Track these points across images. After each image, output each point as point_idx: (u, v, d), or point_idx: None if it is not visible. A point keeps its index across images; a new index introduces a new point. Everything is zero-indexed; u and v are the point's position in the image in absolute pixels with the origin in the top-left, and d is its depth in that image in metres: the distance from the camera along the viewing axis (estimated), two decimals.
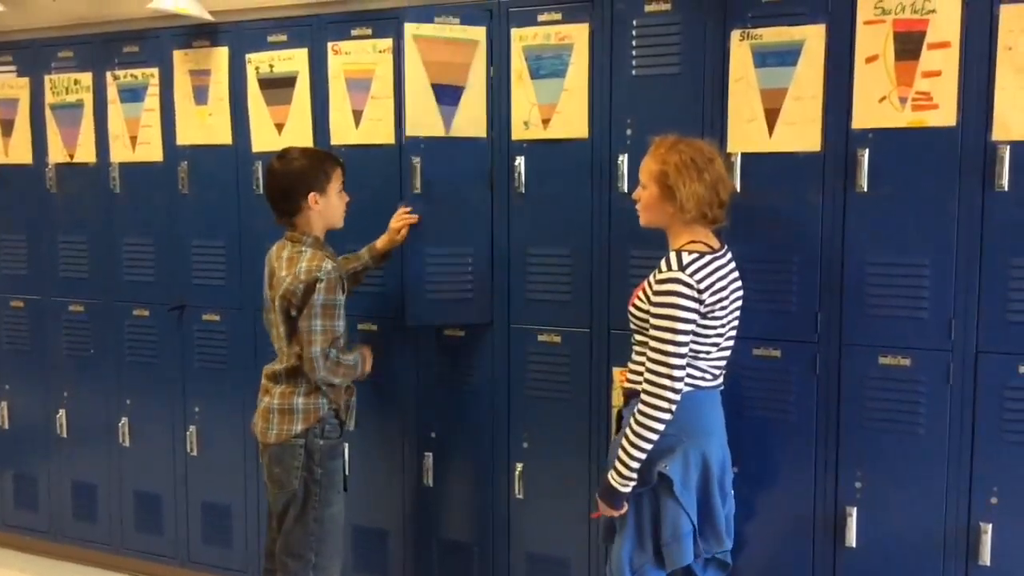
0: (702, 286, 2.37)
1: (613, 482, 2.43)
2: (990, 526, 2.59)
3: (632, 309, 2.51)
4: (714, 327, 2.42)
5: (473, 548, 3.31)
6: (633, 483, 2.42)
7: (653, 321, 2.38)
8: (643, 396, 2.38)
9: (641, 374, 2.44)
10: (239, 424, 3.59)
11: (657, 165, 2.46)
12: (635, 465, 2.39)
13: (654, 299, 2.39)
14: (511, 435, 3.20)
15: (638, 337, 2.52)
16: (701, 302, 2.37)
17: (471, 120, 3.14)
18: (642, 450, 2.38)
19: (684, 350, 2.37)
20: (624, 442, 2.40)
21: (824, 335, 2.74)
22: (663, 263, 2.42)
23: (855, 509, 2.73)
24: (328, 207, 2.87)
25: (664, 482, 2.44)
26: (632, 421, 2.40)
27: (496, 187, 3.13)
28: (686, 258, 2.39)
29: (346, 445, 2.97)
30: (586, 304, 3.04)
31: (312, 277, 2.74)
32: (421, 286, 3.16)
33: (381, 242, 3.14)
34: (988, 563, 2.59)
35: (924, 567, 2.67)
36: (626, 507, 2.47)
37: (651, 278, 2.46)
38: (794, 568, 2.83)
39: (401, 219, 3.12)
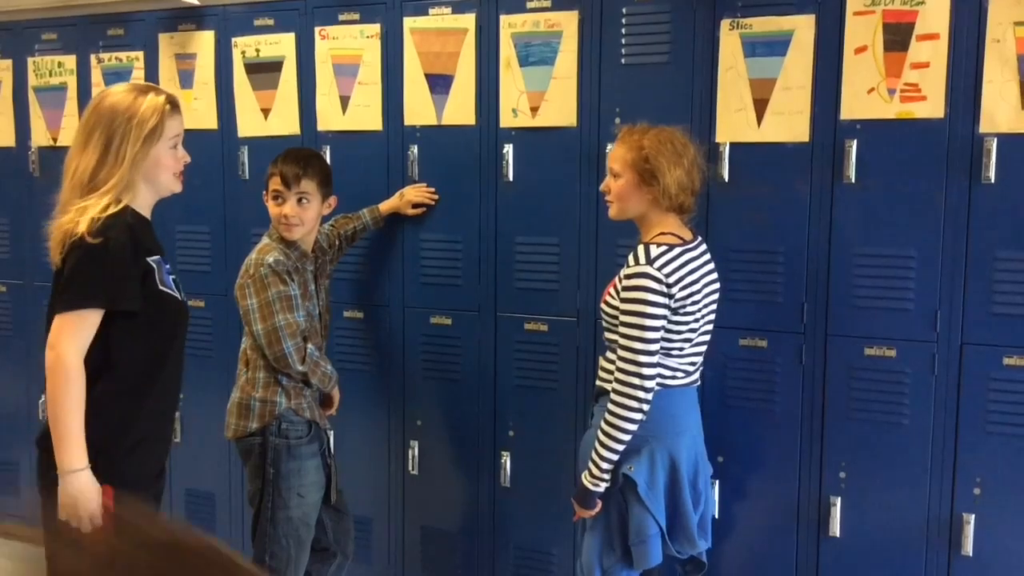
0: (671, 280, 2.33)
1: (585, 482, 2.41)
2: (973, 516, 2.61)
3: (603, 306, 2.47)
4: (686, 323, 2.39)
5: (458, 537, 3.31)
6: (605, 484, 2.40)
7: (622, 318, 2.34)
8: (613, 396, 2.35)
9: (612, 372, 2.42)
10: (223, 411, 3.57)
11: (633, 152, 2.40)
12: (606, 466, 2.38)
13: (622, 295, 2.35)
14: (497, 424, 3.19)
15: (609, 335, 2.47)
16: (671, 296, 2.33)
17: (461, 108, 3.13)
18: (613, 451, 2.36)
19: (654, 347, 2.33)
20: (596, 443, 2.38)
21: (810, 326, 2.75)
22: (631, 257, 2.38)
23: (839, 499, 2.75)
24: (270, 212, 2.82)
25: (629, 484, 2.41)
26: (603, 421, 2.37)
27: (484, 175, 3.12)
28: (654, 251, 2.35)
29: (321, 450, 2.84)
30: (573, 293, 3.03)
31: (257, 273, 2.71)
32: (416, 272, 3.17)
33: (385, 206, 3.17)
34: (970, 553, 2.61)
35: (907, 557, 2.69)
36: (599, 506, 2.45)
37: (621, 273, 2.43)
38: (778, 557, 2.84)
39: (423, 195, 3.13)
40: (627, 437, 2.35)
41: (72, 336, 2.06)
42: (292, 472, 2.76)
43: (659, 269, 2.32)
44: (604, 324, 2.49)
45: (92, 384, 2.11)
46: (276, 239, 2.81)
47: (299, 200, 2.75)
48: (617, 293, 2.40)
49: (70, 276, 2.08)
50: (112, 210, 2.11)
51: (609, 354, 2.49)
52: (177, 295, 2.24)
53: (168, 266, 2.25)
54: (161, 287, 2.18)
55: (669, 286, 2.33)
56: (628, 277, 2.35)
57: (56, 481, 2.11)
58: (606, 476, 2.39)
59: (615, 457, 2.37)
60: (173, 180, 2.26)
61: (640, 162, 2.39)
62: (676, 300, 2.35)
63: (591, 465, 2.40)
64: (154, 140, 2.16)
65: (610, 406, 2.36)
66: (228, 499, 3.65)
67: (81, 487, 2.07)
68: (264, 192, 2.86)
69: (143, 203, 2.24)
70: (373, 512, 3.40)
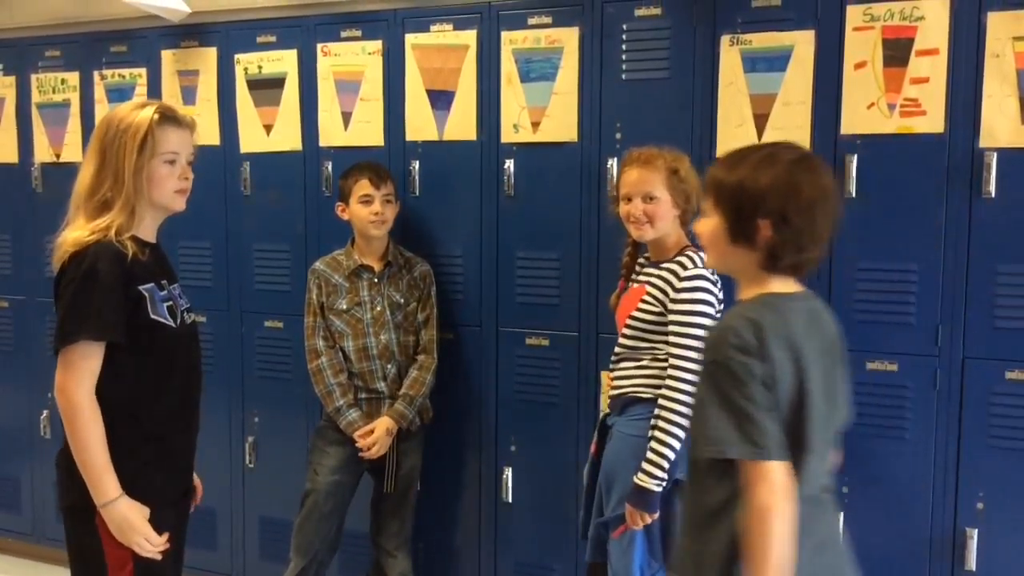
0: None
1: (649, 485, 2.40)
2: (976, 531, 2.60)
3: (637, 314, 2.51)
4: None
5: (460, 552, 3.30)
6: (666, 483, 2.42)
7: (684, 319, 2.42)
8: (678, 395, 2.39)
9: (635, 378, 2.49)
10: (225, 427, 3.57)
11: (666, 173, 2.51)
12: (668, 465, 2.40)
13: (685, 296, 2.44)
14: (499, 439, 3.19)
15: (633, 343, 2.52)
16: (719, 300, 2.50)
17: (462, 124, 3.14)
18: (675, 449, 2.40)
19: None
20: (657, 444, 2.40)
21: None
22: (687, 262, 2.47)
23: (842, 514, 2.73)
24: (352, 216, 3.02)
25: (679, 486, 2.45)
26: (663, 422, 2.40)
27: (485, 190, 3.13)
28: (703, 258, 2.47)
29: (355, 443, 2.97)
30: (575, 308, 3.03)
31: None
32: None
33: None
34: (974, 568, 2.60)
35: (910, 572, 2.68)
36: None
37: (657, 282, 2.49)
38: None
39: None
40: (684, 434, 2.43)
41: (74, 373, 2.04)
42: (316, 448, 3.09)
43: (712, 274, 2.47)
44: (630, 332, 2.54)
45: None
46: (349, 245, 3.07)
47: (385, 200, 3.01)
48: (658, 302, 2.48)
49: (61, 312, 2.06)
50: (98, 237, 2.06)
51: (627, 363, 2.54)
52: (171, 323, 2.16)
53: (164, 292, 2.17)
54: (153, 316, 2.12)
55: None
56: (689, 279, 2.45)
57: (74, 507, 2.12)
58: (667, 475, 2.42)
59: (675, 456, 2.41)
60: (172, 197, 2.19)
61: (679, 183, 2.52)
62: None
63: (652, 468, 2.39)
64: (147, 153, 2.11)
65: (673, 405, 2.39)
66: (229, 514, 3.64)
67: (123, 514, 2.06)
68: (339, 205, 3.06)
69: (147, 225, 2.20)
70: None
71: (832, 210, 1.78)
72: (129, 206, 2.11)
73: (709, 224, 1.80)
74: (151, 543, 2.08)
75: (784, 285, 1.79)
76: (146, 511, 2.10)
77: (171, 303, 2.18)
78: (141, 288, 2.11)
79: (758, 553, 1.62)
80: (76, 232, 2.09)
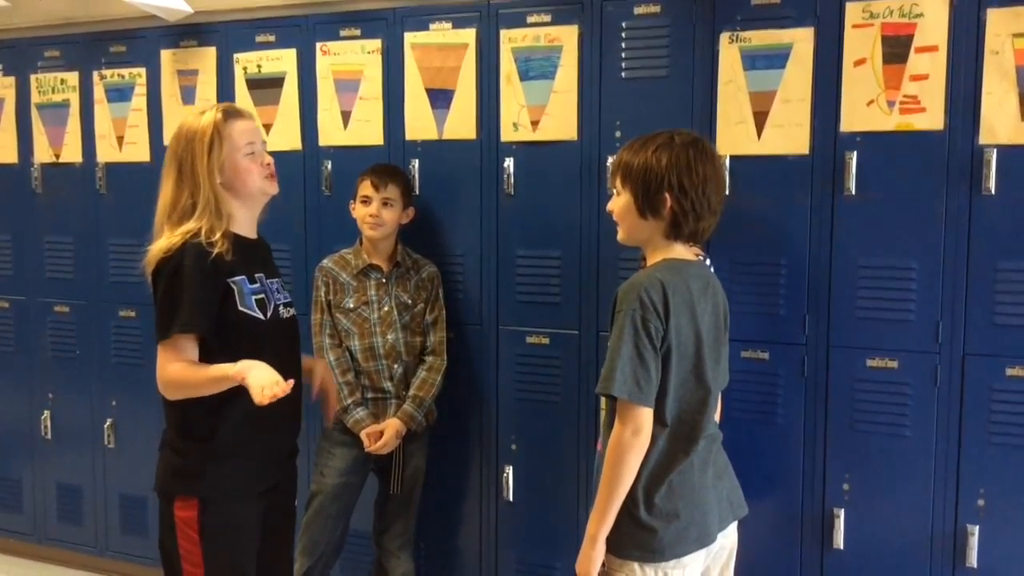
0: None
1: None
2: (977, 528, 2.60)
3: None
4: None
5: (462, 552, 3.30)
6: None
7: None
8: None
9: None
10: None
11: None
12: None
13: None
14: (499, 438, 3.19)
15: None
16: None
17: (462, 122, 3.14)
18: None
19: None
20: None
21: (812, 337, 2.75)
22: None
23: (842, 511, 2.74)
24: (356, 215, 3.05)
25: None
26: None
27: (485, 189, 3.13)
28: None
29: (362, 444, 2.97)
30: (575, 306, 3.03)
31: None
32: None
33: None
34: (975, 565, 2.60)
35: (911, 569, 2.68)
36: None
37: None
38: (781, 570, 2.83)
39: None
40: None
41: (167, 365, 2.17)
42: (322, 450, 3.09)
43: None
44: None
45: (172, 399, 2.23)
46: (358, 244, 3.08)
47: (384, 203, 2.99)
48: None
49: (157, 309, 2.19)
50: (185, 237, 2.19)
51: None
52: (259, 316, 2.26)
53: (256, 285, 2.28)
54: (241, 308, 2.23)
55: None
56: None
57: (160, 492, 2.27)
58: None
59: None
60: (263, 182, 2.34)
61: None
62: None
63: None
64: (218, 150, 2.25)
65: None
66: None
67: (251, 373, 2.10)
68: (351, 201, 3.06)
69: (242, 219, 2.33)
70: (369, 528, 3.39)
71: (720, 186, 2.11)
72: (212, 206, 2.23)
73: (620, 201, 2.12)
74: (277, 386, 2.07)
75: (684, 252, 2.13)
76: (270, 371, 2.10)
77: (262, 296, 2.29)
78: (230, 281, 2.22)
79: (612, 475, 2.02)
80: (163, 241, 2.21)
